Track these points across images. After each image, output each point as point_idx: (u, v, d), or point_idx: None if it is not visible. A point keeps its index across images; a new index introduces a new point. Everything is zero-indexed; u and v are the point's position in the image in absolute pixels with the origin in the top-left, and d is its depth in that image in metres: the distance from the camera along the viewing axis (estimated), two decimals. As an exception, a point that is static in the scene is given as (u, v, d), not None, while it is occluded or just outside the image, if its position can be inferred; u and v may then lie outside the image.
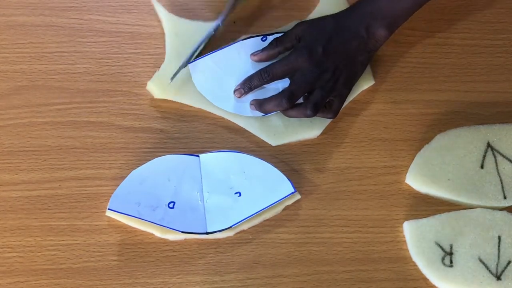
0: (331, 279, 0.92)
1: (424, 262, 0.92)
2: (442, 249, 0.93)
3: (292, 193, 0.93)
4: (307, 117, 0.95)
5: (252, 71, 0.98)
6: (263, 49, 0.99)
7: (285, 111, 0.96)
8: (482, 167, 0.97)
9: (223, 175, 0.95)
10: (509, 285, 0.91)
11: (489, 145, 0.98)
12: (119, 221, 0.92)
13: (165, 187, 0.93)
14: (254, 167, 0.95)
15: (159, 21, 1.03)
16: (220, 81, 0.99)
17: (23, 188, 0.93)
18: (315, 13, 1.03)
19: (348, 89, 0.98)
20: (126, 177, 0.93)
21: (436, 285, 0.92)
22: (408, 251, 0.93)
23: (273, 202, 0.93)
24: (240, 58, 1.00)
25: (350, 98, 1.00)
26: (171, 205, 0.93)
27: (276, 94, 0.96)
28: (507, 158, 0.97)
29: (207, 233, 0.92)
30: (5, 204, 0.93)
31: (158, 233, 0.92)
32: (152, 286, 0.91)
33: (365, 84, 1.01)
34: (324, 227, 0.94)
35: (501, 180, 0.96)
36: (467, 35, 1.06)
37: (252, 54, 0.99)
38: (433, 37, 1.05)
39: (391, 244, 0.94)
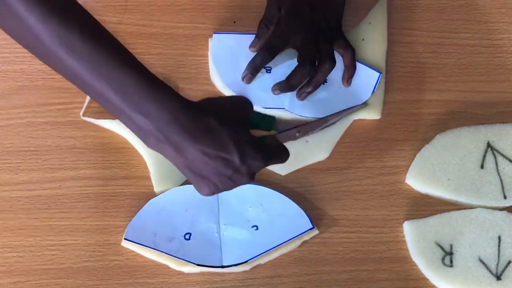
0: (331, 279, 0.92)
1: (424, 262, 0.92)
2: (442, 249, 0.93)
3: (310, 229, 0.93)
4: (331, 68, 0.96)
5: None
6: (256, 37, 0.99)
7: (312, 81, 0.97)
8: (482, 167, 0.97)
9: (240, 207, 0.93)
10: (509, 285, 0.91)
11: (489, 145, 0.98)
12: (119, 222, 0.92)
13: (182, 218, 0.92)
14: (272, 201, 0.93)
15: (159, 21, 1.02)
16: (236, 63, 0.99)
17: (23, 188, 0.93)
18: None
19: (340, 23, 1.00)
20: (126, 177, 0.93)
21: (436, 285, 0.92)
22: (408, 251, 0.93)
23: (291, 237, 0.92)
24: None
25: (344, 128, 0.99)
26: (187, 236, 0.92)
27: (295, 67, 0.96)
28: (507, 158, 0.97)
29: (222, 266, 0.91)
30: (5, 204, 0.93)
31: (173, 265, 0.91)
32: (152, 286, 0.91)
33: (368, 115, 0.99)
34: (324, 227, 0.94)
35: (501, 180, 0.96)
36: (467, 35, 1.06)
37: (250, 46, 0.99)
38: (433, 37, 1.05)
39: (391, 244, 0.94)
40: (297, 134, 0.96)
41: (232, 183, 0.80)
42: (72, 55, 0.72)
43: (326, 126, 0.97)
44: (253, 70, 0.97)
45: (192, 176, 0.79)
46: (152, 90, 0.75)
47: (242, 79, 0.98)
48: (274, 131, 0.96)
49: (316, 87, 0.97)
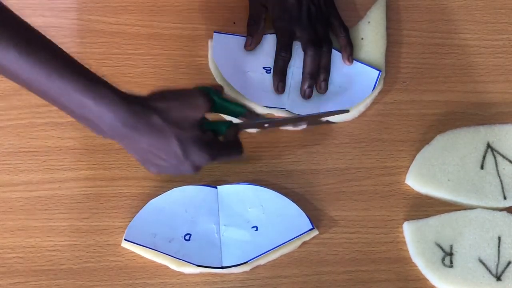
0: (331, 279, 0.92)
1: (424, 263, 0.92)
2: (442, 249, 0.93)
3: (310, 229, 0.93)
4: (330, 49, 0.99)
5: (268, 62, 1.00)
6: (249, 35, 1.01)
7: (320, 69, 0.99)
8: (482, 167, 0.97)
9: (240, 208, 0.93)
10: (509, 285, 0.91)
11: (489, 145, 0.98)
12: (119, 223, 0.92)
13: (182, 219, 0.92)
14: (272, 201, 0.93)
15: (159, 21, 1.03)
16: (236, 64, 1.00)
17: (23, 189, 0.93)
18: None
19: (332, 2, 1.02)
20: (125, 178, 0.93)
21: (436, 285, 0.92)
22: (408, 251, 0.93)
23: (291, 238, 0.92)
24: (262, 49, 1.01)
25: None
26: (187, 237, 0.91)
27: (304, 56, 0.98)
28: (507, 159, 0.97)
29: (222, 267, 0.91)
30: (5, 205, 0.93)
31: (173, 266, 0.90)
32: (152, 287, 0.91)
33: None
34: (324, 227, 0.94)
35: (501, 180, 0.96)
36: (467, 35, 1.06)
37: (246, 46, 1.00)
38: (433, 37, 1.05)
39: (391, 245, 0.94)
40: (265, 125, 0.94)
41: (177, 170, 0.87)
42: (12, 68, 0.76)
43: (299, 124, 0.96)
44: (281, 76, 0.99)
45: (140, 159, 0.87)
46: (89, 87, 0.79)
47: (276, 90, 0.99)
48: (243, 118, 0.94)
49: (327, 72, 0.99)
